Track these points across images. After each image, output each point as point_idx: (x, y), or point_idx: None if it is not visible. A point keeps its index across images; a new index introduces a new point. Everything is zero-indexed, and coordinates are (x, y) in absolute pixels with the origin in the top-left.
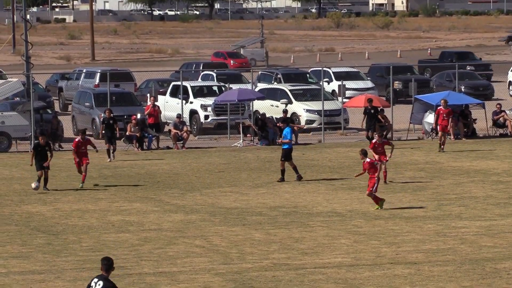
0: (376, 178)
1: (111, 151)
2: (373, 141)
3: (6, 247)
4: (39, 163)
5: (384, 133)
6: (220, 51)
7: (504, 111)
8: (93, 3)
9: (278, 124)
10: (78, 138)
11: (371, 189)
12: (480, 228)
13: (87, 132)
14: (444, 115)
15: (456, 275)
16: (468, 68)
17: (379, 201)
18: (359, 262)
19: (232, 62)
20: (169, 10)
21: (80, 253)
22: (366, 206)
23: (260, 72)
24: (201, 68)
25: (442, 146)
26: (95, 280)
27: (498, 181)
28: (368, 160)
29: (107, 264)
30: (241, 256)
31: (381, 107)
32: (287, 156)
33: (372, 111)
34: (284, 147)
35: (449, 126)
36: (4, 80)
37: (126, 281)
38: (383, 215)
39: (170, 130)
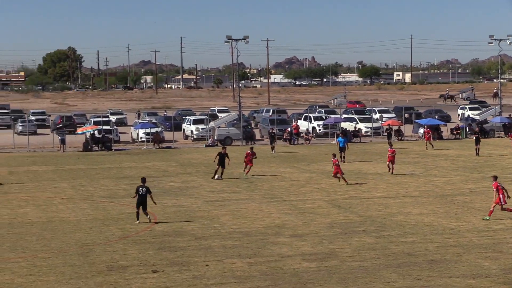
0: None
1: (273, 149)
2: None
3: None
4: (219, 162)
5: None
6: (351, 100)
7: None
8: (270, 79)
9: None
10: (247, 151)
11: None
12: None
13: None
14: (427, 132)
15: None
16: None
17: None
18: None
19: (357, 105)
20: (303, 82)
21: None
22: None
23: (343, 110)
24: (317, 107)
25: (427, 147)
26: (141, 187)
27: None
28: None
29: (143, 180)
30: (335, 192)
31: (398, 126)
32: (341, 148)
33: (388, 130)
34: (340, 145)
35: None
36: (228, 113)
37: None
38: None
39: (303, 136)
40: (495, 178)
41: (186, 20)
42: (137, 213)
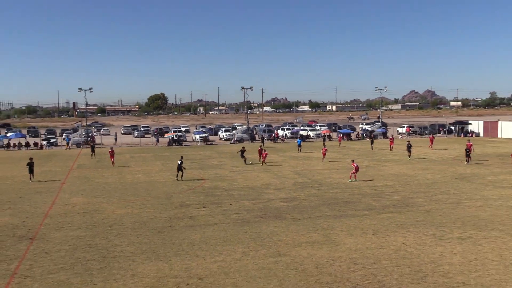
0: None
1: (263, 145)
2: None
3: None
4: (241, 155)
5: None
6: (311, 120)
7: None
8: (263, 109)
9: (303, 137)
10: (259, 148)
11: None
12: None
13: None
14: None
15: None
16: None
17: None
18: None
19: (314, 122)
20: (280, 111)
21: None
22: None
23: (301, 124)
24: (288, 123)
25: (340, 145)
26: (179, 161)
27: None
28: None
29: (181, 157)
30: (297, 167)
31: (329, 133)
32: (298, 145)
33: (324, 136)
34: (298, 144)
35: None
36: (241, 127)
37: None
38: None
39: (280, 138)
40: (353, 160)
41: (221, 77)
42: (177, 175)
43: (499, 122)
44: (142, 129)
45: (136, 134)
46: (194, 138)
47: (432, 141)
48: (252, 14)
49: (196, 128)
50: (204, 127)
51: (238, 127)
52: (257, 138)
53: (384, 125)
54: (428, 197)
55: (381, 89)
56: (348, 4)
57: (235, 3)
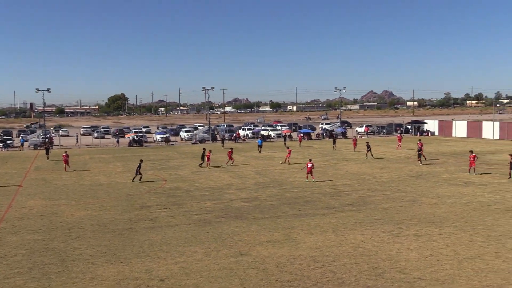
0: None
1: (223, 146)
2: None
3: None
4: (201, 156)
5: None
6: (276, 120)
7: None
8: (225, 109)
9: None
10: (229, 150)
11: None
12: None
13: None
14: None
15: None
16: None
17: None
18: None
19: (277, 123)
20: (242, 111)
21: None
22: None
23: (262, 124)
24: (249, 124)
25: (300, 145)
26: (139, 164)
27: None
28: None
29: (141, 160)
30: (258, 167)
31: (290, 133)
32: (259, 146)
33: (284, 136)
34: (259, 144)
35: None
36: (202, 127)
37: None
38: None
39: (242, 138)
40: (310, 160)
41: (183, 77)
42: (133, 178)
43: (453, 122)
44: (102, 129)
45: (96, 135)
46: (155, 139)
47: (400, 140)
48: (212, 15)
49: (157, 129)
50: (166, 127)
51: (199, 128)
52: (218, 138)
53: (349, 124)
54: (385, 195)
55: (340, 90)
56: (307, 5)
57: (196, 5)
